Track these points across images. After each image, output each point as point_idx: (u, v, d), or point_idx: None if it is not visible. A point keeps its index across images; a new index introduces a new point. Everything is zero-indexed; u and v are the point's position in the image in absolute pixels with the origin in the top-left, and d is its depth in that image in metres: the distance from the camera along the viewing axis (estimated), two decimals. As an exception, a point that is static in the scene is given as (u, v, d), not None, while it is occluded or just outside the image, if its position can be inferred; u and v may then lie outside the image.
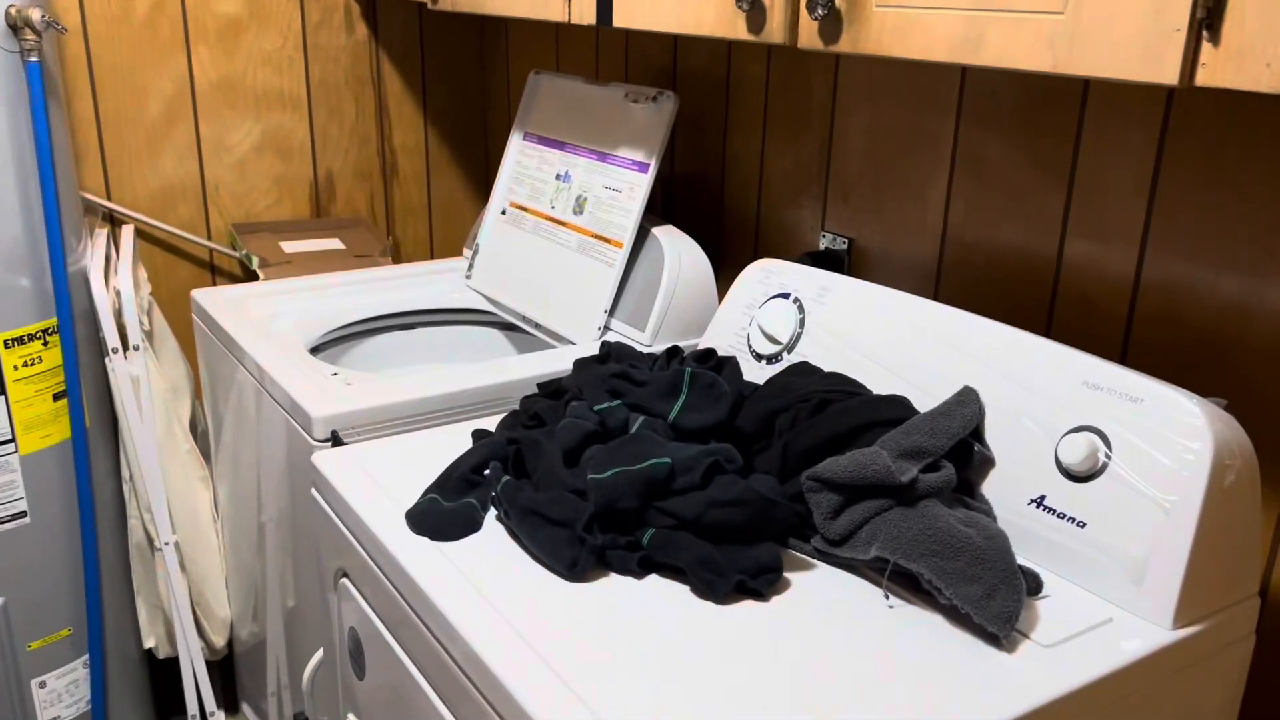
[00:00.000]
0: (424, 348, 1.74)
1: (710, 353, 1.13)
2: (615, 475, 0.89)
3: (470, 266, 1.76)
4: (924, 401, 1.00)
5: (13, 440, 1.46)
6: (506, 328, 1.74)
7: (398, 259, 2.16)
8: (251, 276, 1.89)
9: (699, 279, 1.45)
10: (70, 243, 1.51)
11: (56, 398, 1.50)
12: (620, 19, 1.22)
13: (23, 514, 1.50)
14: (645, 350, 1.34)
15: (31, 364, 1.46)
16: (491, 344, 1.76)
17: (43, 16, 1.37)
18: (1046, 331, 1.19)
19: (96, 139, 1.82)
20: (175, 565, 1.65)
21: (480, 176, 2.23)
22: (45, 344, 1.47)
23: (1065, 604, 0.86)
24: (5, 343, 1.43)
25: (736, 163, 1.60)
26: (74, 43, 1.76)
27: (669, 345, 1.19)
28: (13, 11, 1.36)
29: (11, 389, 1.44)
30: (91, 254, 1.62)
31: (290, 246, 1.90)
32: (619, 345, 1.16)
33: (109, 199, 1.85)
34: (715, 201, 1.65)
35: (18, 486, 1.48)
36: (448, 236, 2.22)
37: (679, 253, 1.44)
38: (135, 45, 1.81)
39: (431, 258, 2.22)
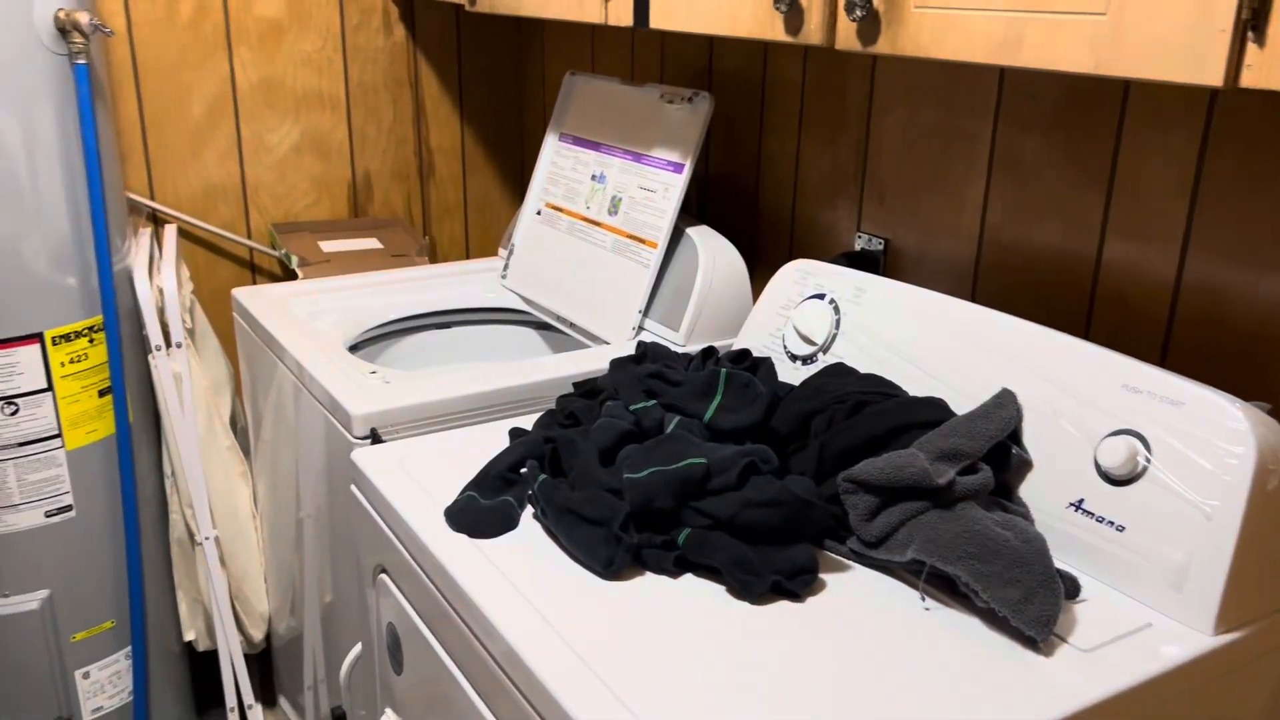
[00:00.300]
0: (460, 347, 1.76)
1: (745, 353, 1.13)
2: (651, 475, 0.89)
3: (505, 266, 1.77)
4: (961, 404, 1.00)
5: (59, 435, 1.49)
6: (541, 327, 1.75)
7: (434, 259, 2.18)
8: (291, 275, 1.92)
9: (733, 279, 1.45)
10: (116, 242, 1.54)
11: (101, 394, 1.53)
12: (657, 20, 1.22)
13: (69, 508, 1.53)
14: (680, 350, 1.35)
15: (78, 361, 1.49)
16: (526, 343, 1.77)
17: (90, 20, 1.40)
18: (1085, 334, 1.18)
19: (141, 140, 1.85)
20: (215, 560, 1.68)
21: (516, 177, 2.25)
22: (91, 341, 1.50)
23: (1103, 608, 0.85)
24: (53, 340, 1.46)
25: (772, 163, 1.60)
26: (119, 45, 1.79)
27: (704, 345, 1.19)
28: (61, 15, 1.39)
29: (59, 385, 1.48)
30: (136, 253, 1.65)
31: (329, 246, 1.93)
32: (655, 345, 1.17)
33: (152, 199, 1.88)
34: (750, 202, 1.65)
35: (64, 481, 1.51)
36: (483, 236, 2.24)
37: (713, 253, 1.45)
38: (178, 47, 1.84)
39: (467, 257, 2.23)
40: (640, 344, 1.17)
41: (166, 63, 1.84)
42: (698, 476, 0.89)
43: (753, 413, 0.99)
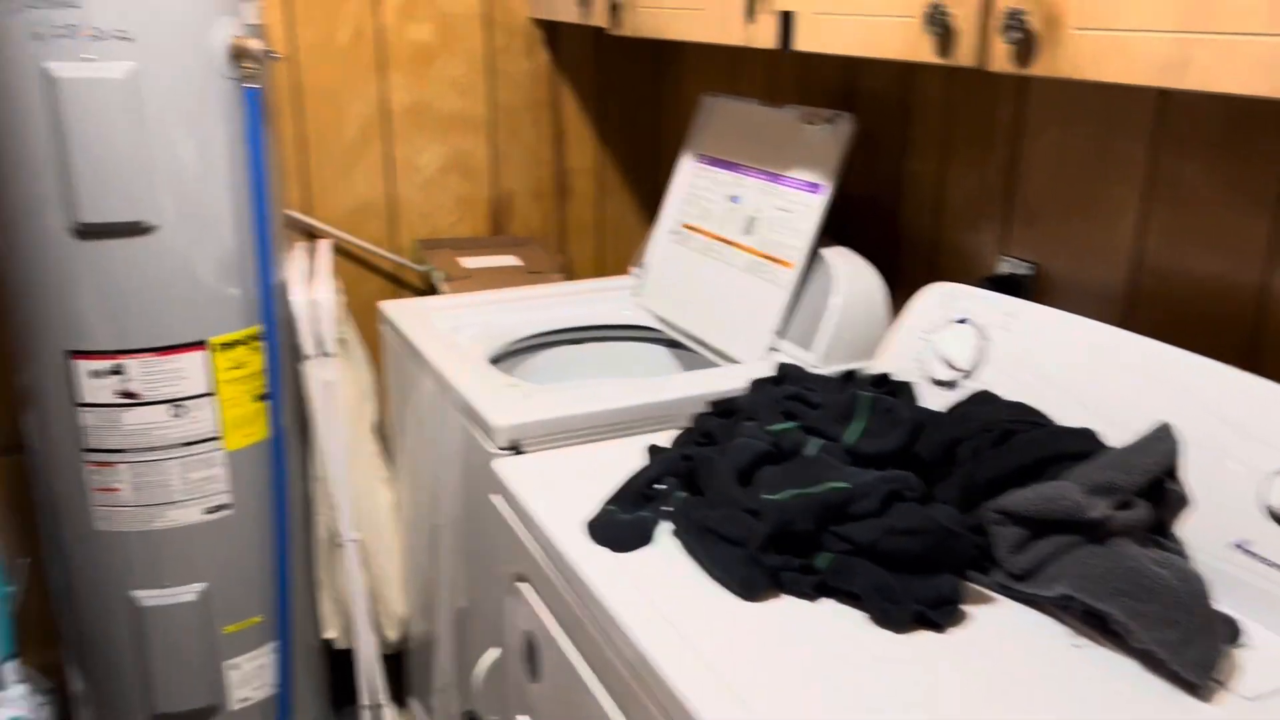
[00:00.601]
0: (592, 362, 1.79)
1: (886, 377, 1.12)
2: (792, 497, 0.89)
3: (639, 284, 1.79)
4: (1114, 436, 0.97)
5: (220, 438, 1.58)
6: (672, 345, 1.76)
7: (569, 276, 2.22)
8: (432, 290, 1.99)
9: (871, 301, 1.43)
10: (276, 255, 1.63)
11: (257, 399, 1.61)
12: (802, 43, 1.23)
13: (226, 506, 1.62)
14: (817, 372, 1.34)
15: (239, 367, 1.58)
16: (657, 360, 1.79)
17: (261, 47, 1.49)
18: (1249, 366, 1.13)
19: (298, 158, 1.95)
20: (356, 562, 1.75)
21: (650, 197, 2.27)
22: (251, 349, 1.59)
23: (1269, 655, 0.81)
24: (217, 347, 1.55)
25: (913, 184, 1.58)
26: (281, 68, 1.90)
27: (842, 368, 1.18)
28: (235, 42, 1.48)
29: (221, 390, 1.56)
30: (292, 266, 1.73)
31: (469, 262, 1.99)
32: (794, 367, 1.17)
33: (308, 214, 1.98)
34: (889, 223, 1.63)
35: (222, 480, 1.60)
36: (617, 255, 2.27)
37: (850, 274, 1.43)
38: (336, 71, 1.94)
39: (601, 275, 2.27)
40: (781, 365, 1.17)
41: (324, 85, 1.94)
42: (839, 501, 0.89)
43: (895, 438, 0.98)
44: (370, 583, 1.80)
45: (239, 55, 1.49)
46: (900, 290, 1.58)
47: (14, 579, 1.65)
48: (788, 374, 1.15)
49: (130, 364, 1.51)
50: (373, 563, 1.79)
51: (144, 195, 1.45)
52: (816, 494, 0.89)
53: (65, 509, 1.60)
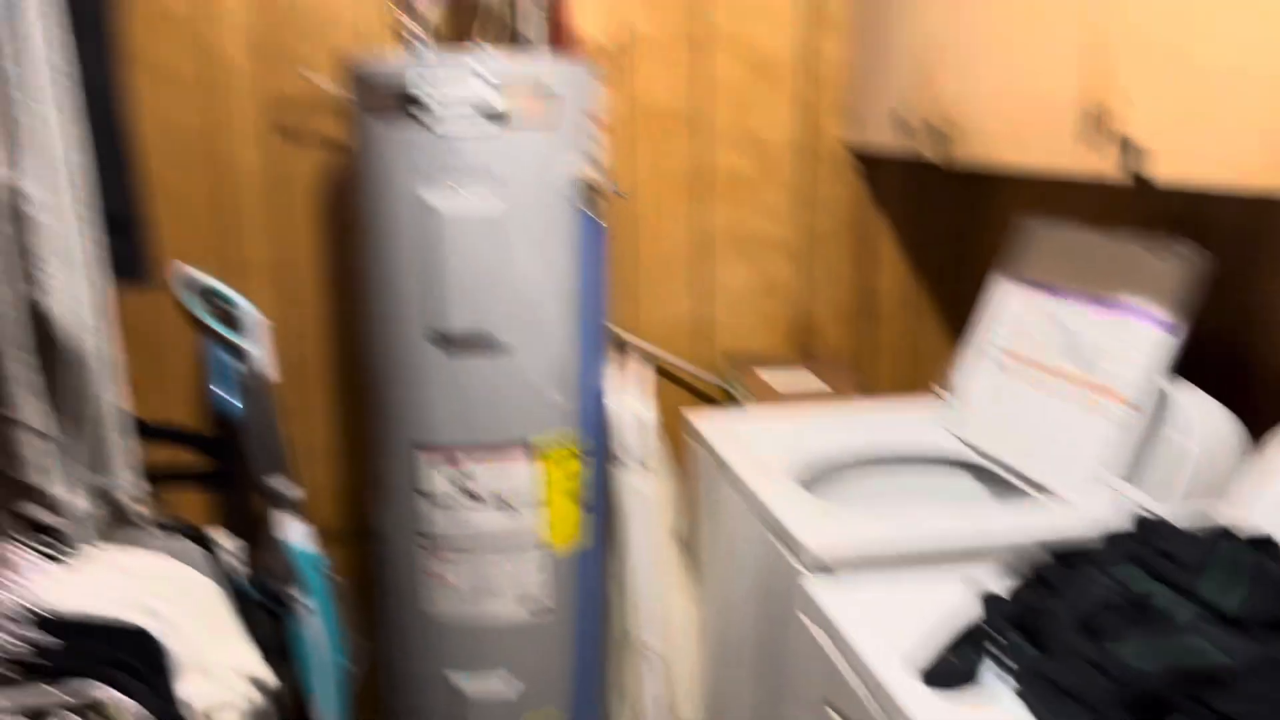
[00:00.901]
0: (897, 485, 1.75)
1: (1269, 540, 1.01)
2: (1156, 664, 0.83)
3: (945, 408, 1.75)
4: None
5: (544, 539, 1.69)
6: (979, 473, 1.70)
7: (870, 396, 2.21)
8: (736, 404, 2.04)
9: (1223, 444, 1.32)
10: (602, 370, 1.75)
11: (578, 504, 1.71)
12: (1163, 174, 1.17)
13: (541, 602, 1.71)
14: (1182, 527, 1.24)
15: (565, 473, 1.69)
16: (964, 489, 1.73)
17: (609, 183, 1.63)
18: None
19: (621, 276, 2.09)
20: (654, 667, 1.78)
21: (956, 320, 2.23)
22: (576, 457, 1.70)
23: None
24: (548, 452, 1.67)
25: (1267, 318, 1.45)
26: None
27: (1215, 524, 1.08)
28: (583, 177, 1.63)
29: (548, 493, 1.68)
30: (612, 378, 1.84)
31: (773, 380, 2.03)
32: (1158, 521, 1.08)
33: (627, 330, 2.10)
34: (1236, 359, 1.50)
35: (541, 579, 1.70)
36: (920, 377, 2.24)
37: (1202, 414, 1.33)
38: (664, 198, 2.07)
39: (903, 397, 2.24)
40: (1141, 520, 1.08)
41: (651, 212, 2.07)
42: (1211, 669, 0.81)
43: (1274, 605, 0.89)
44: (665, 689, 1.82)
45: (585, 188, 1.63)
46: (1256, 434, 1.45)
47: (354, 658, 1.82)
48: (1149, 528, 1.06)
49: (468, 461, 1.65)
50: (668, 670, 1.82)
51: (497, 311, 1.60)
52: (1184, 660, 0.82)
53: (402, 592, 1.75)
